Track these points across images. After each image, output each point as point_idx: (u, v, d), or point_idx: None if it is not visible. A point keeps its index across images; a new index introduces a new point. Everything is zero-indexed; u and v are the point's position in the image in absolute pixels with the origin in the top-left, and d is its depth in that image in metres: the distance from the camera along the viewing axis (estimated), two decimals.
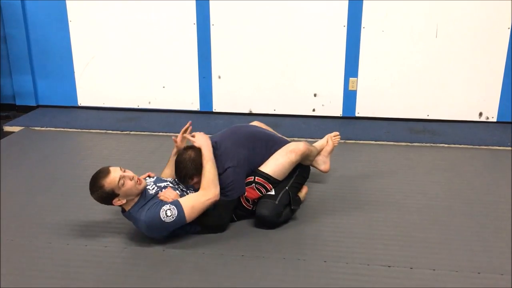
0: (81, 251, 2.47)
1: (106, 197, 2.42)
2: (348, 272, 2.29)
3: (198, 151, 2.61)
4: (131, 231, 2.63)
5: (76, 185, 3.21)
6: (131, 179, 2.43)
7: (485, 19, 4.15)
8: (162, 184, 2.61)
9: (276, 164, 2.69)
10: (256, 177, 2.65)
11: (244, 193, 2.64)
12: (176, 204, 2.43)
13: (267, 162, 2.71)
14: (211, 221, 2.57)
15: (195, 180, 2.59)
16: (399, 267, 2.32)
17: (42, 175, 3.40)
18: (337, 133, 3.20)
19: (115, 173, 2.40)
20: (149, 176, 2.69)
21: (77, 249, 2.48)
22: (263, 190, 2.65)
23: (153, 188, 2.57)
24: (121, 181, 2.39)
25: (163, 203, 2.45)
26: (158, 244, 2.51)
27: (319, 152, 3.07)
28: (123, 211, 2.52)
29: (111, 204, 2.45)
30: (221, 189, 2.58)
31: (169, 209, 2.40)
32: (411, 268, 2.32)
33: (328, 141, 3.15)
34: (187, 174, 2.57)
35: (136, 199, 2.48)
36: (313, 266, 2.34)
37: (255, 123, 3.20)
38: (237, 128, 2.93)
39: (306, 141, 2.78)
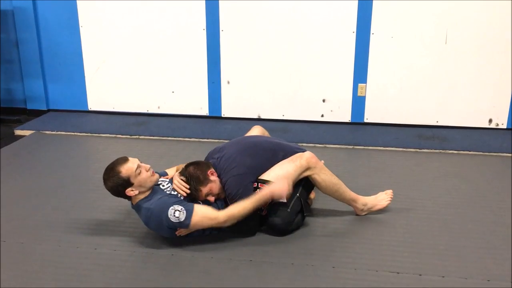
0: (90, 254, 2.49)
1: (121, 184, 2.44)
2: (357, 278, 2.29)
3: (196, 165, 2.62)
4: (141, 234, 2.64)
5: (85, 189, 3.23)
6: (147, 170, 2.50)
7: (494, 25, 4.14)
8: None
9: (280, 171, 2.64)
10: (259, 183, 2.62)
11: None
12: (188, 209, 2.42)
13: (272, 169, 2.67)
14: (237, 228, 2.57)
15: (204, 191, 2.57)
16: (408, 274, 2.32)
17: (52, 179, 3.42)
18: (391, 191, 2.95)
19: (133, 162, 2.49)
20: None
21: (86, 252, 2.50)
22: None
23: (168, 185, 2.62)
24: (138, 170, 2.45)
25: (178, 201, 2.46)
26: (167, 248, 2.52)
27: (354, 199, 2.81)
28: (132, 204, 2.56)
29: (124, 194, 2.47)
30: (231, 197, 2.59)
31: (178, 211, 2.40)
32: (420, 274, 2.31)
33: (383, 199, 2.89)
34: (194, 189, 2.56)
35: (147, 193, 2.52)
36: (321, 272, 2.34)
37: (256, 128, 3.20)
38: (242, 138, 2.93)
39: (314, 146, 2.70)
